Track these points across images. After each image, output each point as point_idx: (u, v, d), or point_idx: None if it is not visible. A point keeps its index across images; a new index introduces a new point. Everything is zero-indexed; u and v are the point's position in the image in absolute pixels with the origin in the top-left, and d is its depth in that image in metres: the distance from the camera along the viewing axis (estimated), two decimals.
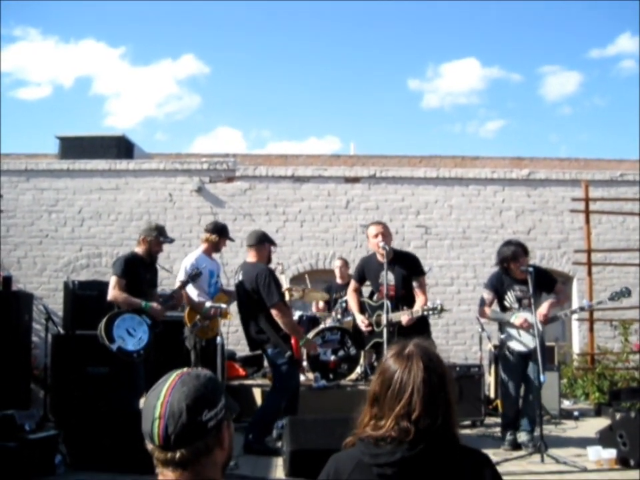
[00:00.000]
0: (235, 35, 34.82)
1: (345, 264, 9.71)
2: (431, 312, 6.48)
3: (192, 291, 7.06)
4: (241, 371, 9.26)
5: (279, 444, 6.29)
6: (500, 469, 2.23)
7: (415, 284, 6.73)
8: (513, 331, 6.80)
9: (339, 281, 9.56)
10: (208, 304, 6.65)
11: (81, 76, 37.44)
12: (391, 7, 32.83)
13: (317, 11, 33.18)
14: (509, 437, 6.78)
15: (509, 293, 6.89)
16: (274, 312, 6.43)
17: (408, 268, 6.76)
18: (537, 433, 6.42)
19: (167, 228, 7.23)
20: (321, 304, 9.64)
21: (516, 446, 6.68)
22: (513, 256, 6.73)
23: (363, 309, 7.04)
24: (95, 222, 11.75)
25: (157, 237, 6.74)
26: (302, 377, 7.84)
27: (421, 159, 14.26)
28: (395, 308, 6.58)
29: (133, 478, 5.15)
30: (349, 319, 8.49)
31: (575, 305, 10.54)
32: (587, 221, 10.22)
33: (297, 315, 8.74)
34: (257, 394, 7.95)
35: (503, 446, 6.72)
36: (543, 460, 5.99)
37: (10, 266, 11.33)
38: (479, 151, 41.40)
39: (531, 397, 6.73)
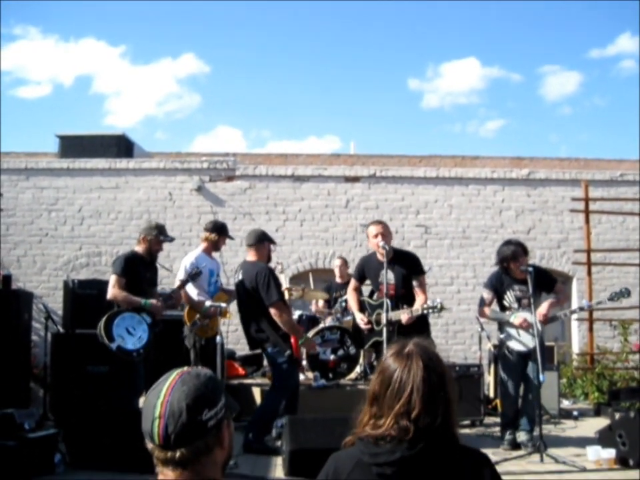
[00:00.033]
0: (235, 34, 34.85)
1: (345, 263, 9.71)
2: (430, 310, 6.48)
3: (192, 290, 7.05)
4: (241, 370, 9.26)
5: (279, 443, 6.29)
6: (499, 468, 2.24)
7: (415, 283, 6.72)
8: (513, 331, 6.80)
9: (338, 280, 9.56)
10: (208, 303, 6.64)
11: (81, 75, 37.46)
12: (391, 7, 32.86)
13: (317, 10, 33.23)
14: (508, 436, 6.78)
15: (508, 293, 6.89)
16: (272, 311, 6.42)
17: (408, 267, 6.76)
18: (536, 432, 6.42)
19: (166, 227, 7.23)
20: (321, 302, 9.64)
21: (515, 445, 6.68)
22: (512, 256, 6.73)
23: (362, 307, 7.04)
24: (95, 221, 11.75)
25: (157, 235, 6.74)
26: (301, 376, 7.84)
27: (421, 159, 14.26)
28: (395, 307, 6.58)
29: (133, 477, 5.15)
30: (349, 318, 8.50)
31: (575, 304, 10.54)
32: (587, 221, 10.22)
33: (296, 314, 8.75)
34: (257, 393, 7.95)
35: (502, 445, 6.72)
36: (542, 460, 5.99)
37: (10, 264, 11.33)
38: (478, 150, 41.46)
39: (531, 397, 6.72)
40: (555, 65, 39.49)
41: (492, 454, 6.15)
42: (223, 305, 6.47)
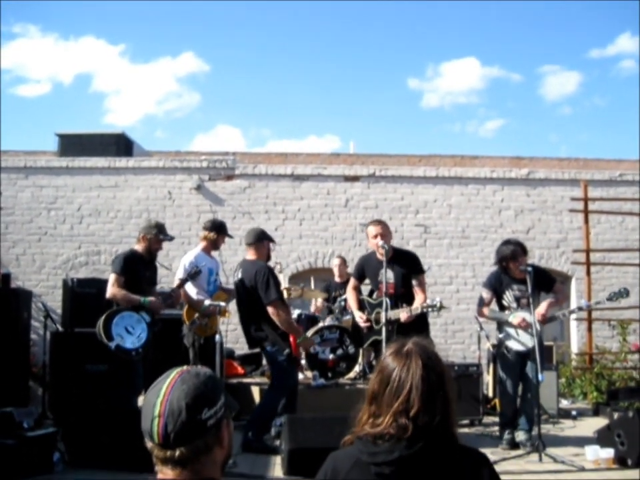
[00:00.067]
0: (235, 33, 34.84)
1: (344, 262, 9.71)
2: (429, 309, 6.48)
3: (191, 289, 7.06)
4: (240, 369, 9.27)
5: (278, 442, 6.29)
6: (498, 468, 2.24)
7: (414, 282, 6.73)
8: (512, 330, 6.80)
9: (337, 279, 9.56)
10: (207, 302, 6.64)
11: (81, 73, 37.44)
12: (391, 6, 32.86)
13: (316, 9, 33.23)
14: (507, 436, 6.78)
15: (507, 292, 6.89)
16: (270, 310, 6.42)
17: (407, 266, 6.76)
18: (535, 432, 6.43)
19: (166, 226, 7.22)
20: (319, 301, 9.64)
21: (514, 445, 6.68)
22: (511, 255, 6.73)
23: (362, 306, 7.04)
24: (94, 219, 11.75)
25: (157, 234, 6.74)
26: (300, 376, 7.85)
27: (421, 158, 14.26)
28: (395, 306, 6.58)
29: (132, 476, 5.15)
30: (348, 317, 8.50)
31: (574, 304, 10.54)
32: (586, 221, 10.23)
33: (295, 313, 8.74)
34: (256, 392, 7.95)
35: (501, 445, 6.73)
36: (540, 459, 5.99)
37: (9, 263, 11.33)
38: (478, 150, 41.44)
39: (529, 396, 6.73)
40: (554, 64, 39.53)
41: (491, 453, 6.13)
42: (222, 303, 6.47)
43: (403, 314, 6.47)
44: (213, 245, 7.33)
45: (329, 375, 8.21)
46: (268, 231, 7.36)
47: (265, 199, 11.92)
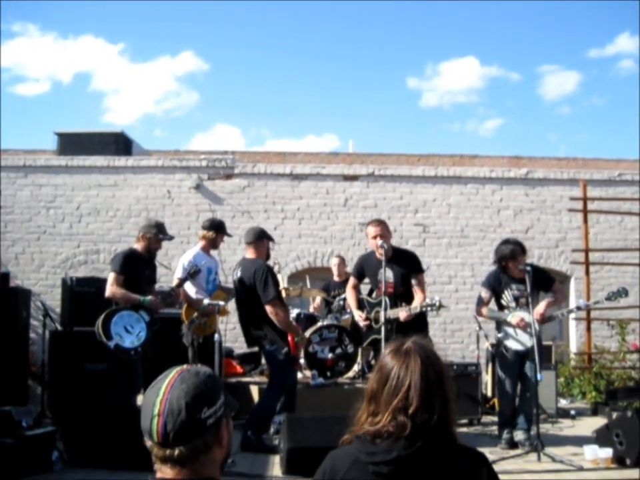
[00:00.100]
0: (234, 32, 34.84)
1: (342, 261, 9.70)
2: (429, 308, 6.48)
3: (190, 288, 7.06)
4: (239, 369, 9.27)
5: (277, 440, 6.30)
6: (497, 467, 2.24)
7: (413, 281, 6.73)
8: (510, 330, 6.80)
9: (336, 278, 9.55)
10: (206, 301, 6.64)
11: (80, 72, 37.41)
12: (390, 6, 32.86)
13: (316, 9, 33.22)
14: (505, 435, 6.79)
15: (506, 292, 6.89)
16: (269, 308, 6.42)
17: (407, 265, 6.76)
18: (533, 431, 6.43)
19: (165, 225, 7.21)
20: (318, 299, 9.64)
21: (513, 444, 6.69)
22: (511, 255, 6.73)
23: (361, 305, 7.05)
24: (93, 218, 11.74)
25: (157, 234, 6.74)
26: (299, 375, 7.85)
27: (420, 158, 14.27)
28: (394, 305, 6.58)
29: (131, 475, 5.15)
30: (347, 316, 8.51)
31: (573, 304, 10.54)
32: (585, 221, 10.23)
33: (294, 312, 8.75)
34: (255, 391, 7.96)
35: (499, 444, 6.73)
36: (539, 459, 6.00)
37: (8, 262, 11.32)
38: (477, 149, 41.41)
39: (528, 396, 6.73)
40: (553, 64, 39.56)
41: (489, 453, 6.16)
42: (221, 303, 6.48)
43: (402, 313, 6.47)
44: (212, 244, 7.33)
45: (328, 374, 8.22)
46: (267, 230, 7.36)
47: (264, 198, 11.92)
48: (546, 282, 6.90)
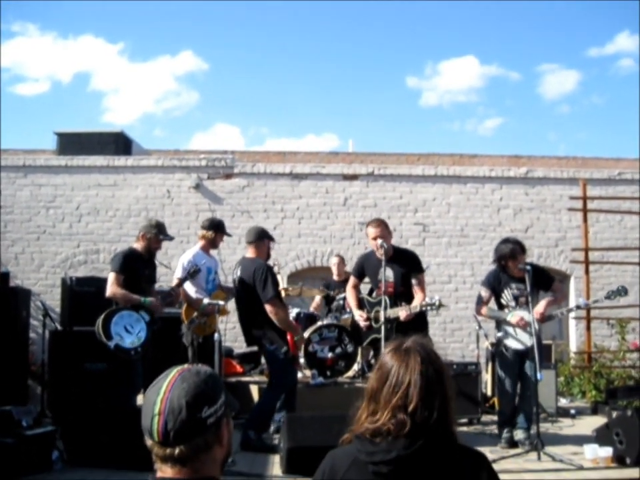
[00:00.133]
0: (234, 31, 34.84)
1: (342, 261, 9.70)
2: (428, 308, 6.48)
3: (189, 288, 7.06)
4: (238, 368, 9.27)
5: (277, 439, 6.30)
6: (497, 466, 2.24)
7: (414, 281, 6.72)
8: (510, 329, 6.80)
9: (335, 278, 9.55)
10: (206, 301, 6.63)
11: (80, 72, 37.43)
12: (390, 5, 32.87)
13: (315, 8, 33.21)
14: (505, 434, 6.79)
15: (505, 291, 6.89)
16: (268, 308, 6.42)
17: (407, 265, 6.76)
18: (533, 430, 6.44)
19: (165, 224, 7.20)
20: (317, 298, 9.64)
21: (513, 444, 6.69)
22: (510, 254, 6.73)
23: (361, 305, 7.04)
24: (93, 218, 11.74)
25: (157, 234, 6.73)
26: (299, 374, 7.85)
27: (419, 157, 14.26)
28: (394, 305, 6.58)
29: (131, 474, 5.15)
30: (347, 316, 8.51)
31: (572, 303, 10.55)
32: (585, 220, 10.23)
33: (294, 312, 8.75)
34: (254, 391, 7.96)
35: (499, 444, 6.73)
36: (539, 458, 6.00)
37: (7, 262, 11.32)
38: (477, 148, 41.27)
39: (528, 395, 6.73)
40: (553, 63, 39.59)
41: (489, 452, 6.17)
42: (221, 302, 6.48)
43: (402, 312, 6.47)
44: (212, 243, 7.33)
45: (328, 373, 8.22)
46: (267, 229, 7.36)
47: (264, 198, 11.92)
48: (546, 281, 6.90)
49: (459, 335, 11.71)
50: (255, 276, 6.47)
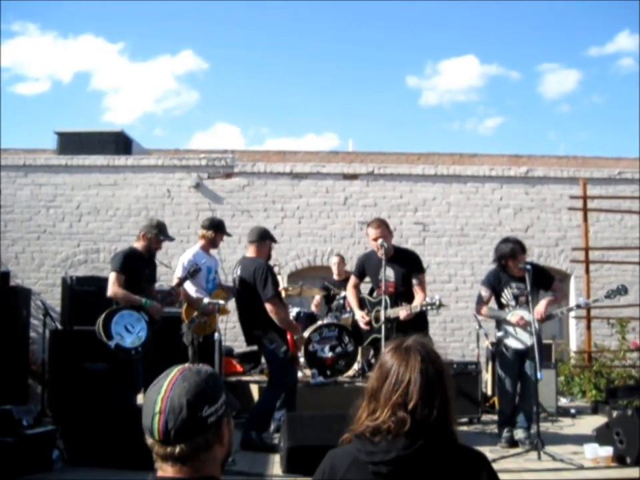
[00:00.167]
0: (234, 31, 34.83)
1: (342, 260, 9.71)
2: (429, 307, 6.49)
3: (190, 287, 7.06)
4: (239, 367, 9.27)
5: (277, 438, 6.30)
6: (497, 466, 2.24)
7: (414, 281, 6.72)
8: (510, 329, 6.80)
9: (336, 277, 9.56)
10: (206, 300, 6.63)
11: (80, 71, 37.43)
12: (389, 4, 32.84)
13: (315, 8, 33.20)
14: (505, 434, 6.79)
15: (506, 291, 6.89)
16: (268, 307, 6.42)
17: (408, 265, 6.76)
18: (533, 430, 6.44)
19: (166, 225, 7.18)
20: (317, 298, 9.64)
21: (513, 443, 6.69)
22: (510, 253, 6.73)
23: (362, 305, 7.04)
24: (93, 217, 11.75)
25: (157, 235, 6.72)
26: (299, 374, 7.85)
27: (419, 156, 14.25)
28: (395, 304, 6.58)
29: (131, 474, 5.15)
30: (347, 315, 8.51)
31: (572, 302, 10.55)
32: (585, 219, 10.23)
33: (294, 311, 8.75)
34: (255, 390, 7.96)
35: (499, 443, 6.74)
36: (539, 457, 6.00)
37: (8, 261, 11.32)
38: (477, 148, 41.18)
39: (528, 394, 6.73)
40: (553, 62, 39.59)
41: (489, 451, 6.18)
42: (221, 302, 6.47)
43: (402, 312, 6.48)
44: (211, 243, 7.33)
45: (328, 372, 8.22)
46: (269, 230, 7.35)
47: (264, 197, 11.92)
48: (546, 280, 6.90)
49: (459, 335, 11.71)
50: (255, 275, 6.47)
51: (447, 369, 2.08)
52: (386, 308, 6.41)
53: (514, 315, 6.72)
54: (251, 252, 6.78)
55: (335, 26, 34.47)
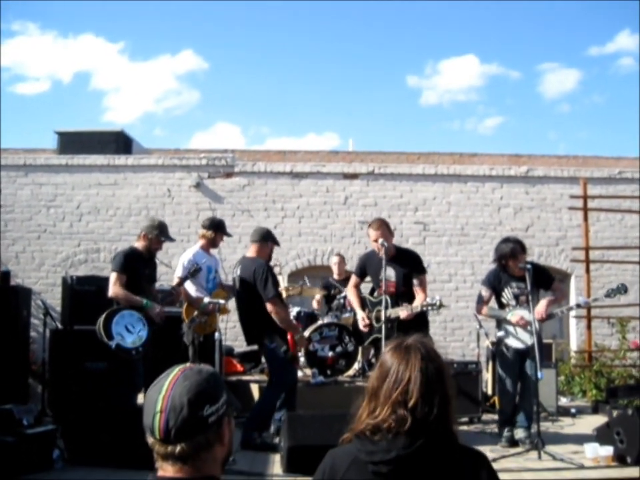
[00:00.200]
0: (234, 30, 34.80)
1: (342, 260, 9.70)
2: (429, 308, 6.49)
3: (190, 287, 7.06)
4: (239, 367, 9.27)
5: (277, 438, 6.30)
6: (497, 465, 2.24)
7: (415, 282, 6.73)
8: (510, 328, 6.80)
9: (336, 277, 9.55)
10: (206, 300, 6.63)
11: (80, 71, 37.41)
12: (389, 4, 32.82)
13: (316, 7, 33.18)
14: (506, 433, 6.79)
15: (506, 290, 6.89)
16: (269, 307, 6.42)
17: (409, 265, 6.76)
18: (534, 429, 6.44)
19: (167, 226, 7.16)
20: (317, 296, 9.64)
21: (513, 443, 6.69)
22: (511, 253, 6.73)
23: (363, 304, 7.04)
24: (93, 217, 11.75)
25: (158, 235, 6.71)
26: (299, 373, 7.85)
27: (420, 156, 14.24)
28: (395, 304, 6.58)
29: (131, 473, 5.16)
30: (347, 315, 8.51)
31: (573, 302, 10.55)
32: (585, 219, 10.23)
33: (294, 311, 8.75)
34: (255, 390, 7.96)
35: (500, 443, 6.74)
36: (540, 457, 6.00)
37: (8, 261, 11.33)
38: (477, 147, 41.13)
39: (528, 394, 6.73)
40: (553, 62, 39.59)
41: (490, 451, 6.19)
42: (222, 301, 6.47)
43: (402, 312, 6.48)
44: (212, 243, 7.33)
45: (328, 372, 8.22)
46: (273, 232, 7.33)
47: (264, 197, 11.92)
48: (546, 280, 6.90)
49: (459, 334, 11.71)
50: (255, 275, 6.47)
51: (447, 368, 2.08)
52: (386, 308, 6.41)
53: (514, 314, 6.72)
54: (251, 252, 6.78)
55: (335, 25, 34.48)
